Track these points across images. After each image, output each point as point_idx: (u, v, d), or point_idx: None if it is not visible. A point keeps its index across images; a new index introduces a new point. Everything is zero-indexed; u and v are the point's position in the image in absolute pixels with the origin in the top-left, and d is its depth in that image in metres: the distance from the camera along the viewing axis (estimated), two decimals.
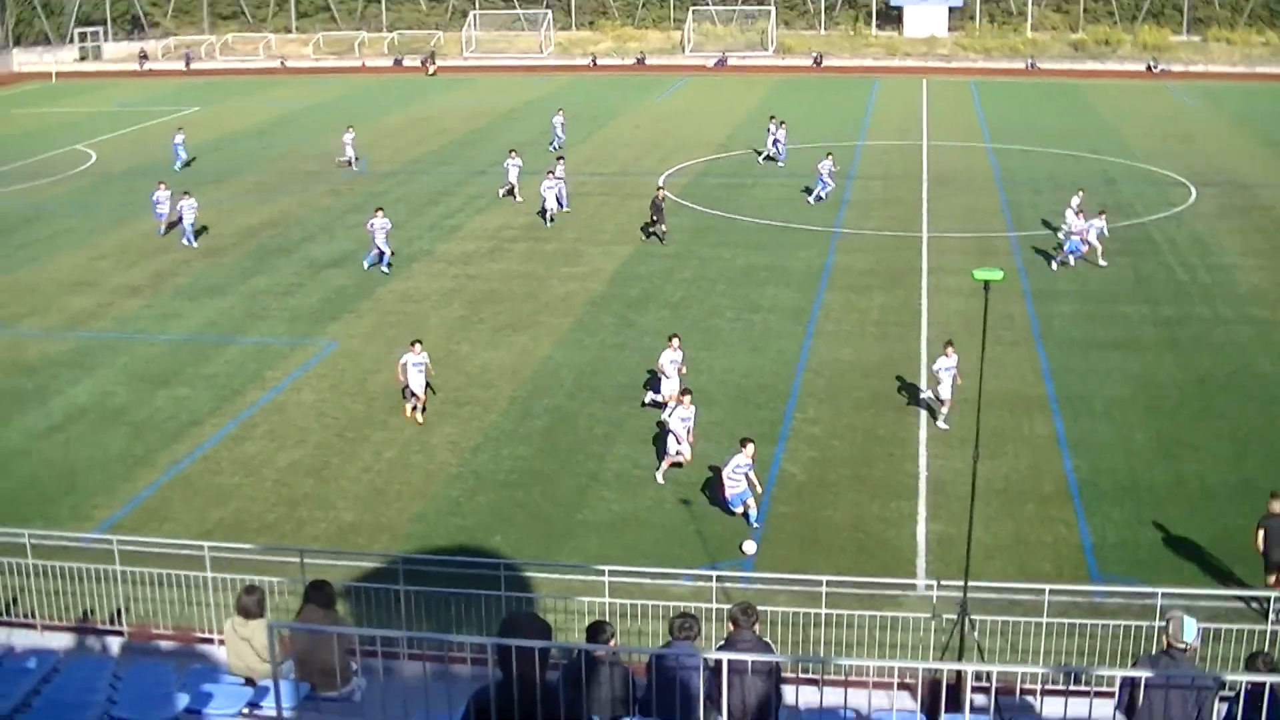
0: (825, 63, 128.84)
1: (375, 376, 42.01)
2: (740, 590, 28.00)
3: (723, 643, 17.44)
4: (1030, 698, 21.33)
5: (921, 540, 31.27)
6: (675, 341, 38.19)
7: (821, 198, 65.02)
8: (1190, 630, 15.94)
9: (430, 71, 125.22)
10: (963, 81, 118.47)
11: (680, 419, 34.09)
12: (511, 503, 33.28)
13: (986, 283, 22.11)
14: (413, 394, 37.95)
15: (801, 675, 21.19)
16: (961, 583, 23.65)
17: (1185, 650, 15.97)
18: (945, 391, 36.98)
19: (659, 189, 59.11)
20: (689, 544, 31.03)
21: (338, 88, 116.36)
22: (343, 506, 33.20)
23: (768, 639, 19.25)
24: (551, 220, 60.97)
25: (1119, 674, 17.83)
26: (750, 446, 31.31)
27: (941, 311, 47.79)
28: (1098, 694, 17.84)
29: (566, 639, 22.87)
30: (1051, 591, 26.27)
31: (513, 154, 67.53)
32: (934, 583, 27.77)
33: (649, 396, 38.97)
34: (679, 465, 34.55)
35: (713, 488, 33.54)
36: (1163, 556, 30.67)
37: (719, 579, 27.78)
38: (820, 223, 61.06)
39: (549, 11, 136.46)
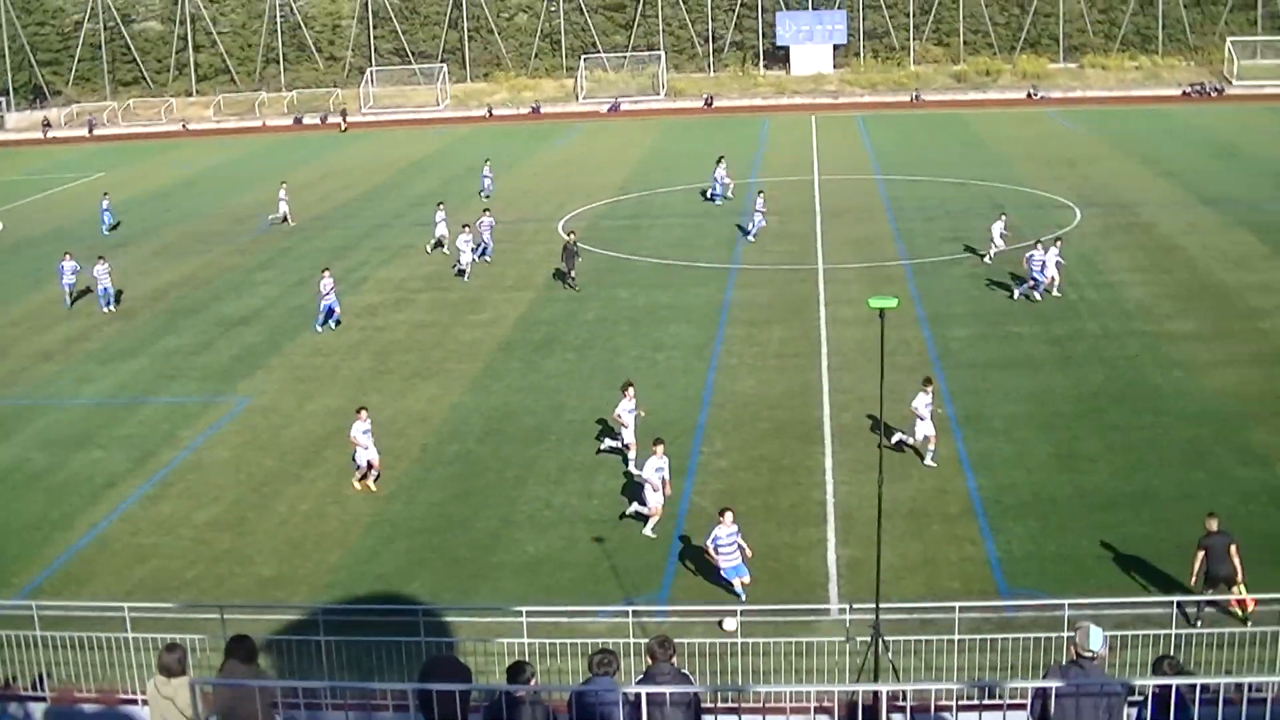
0: (716, 103, 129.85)
1: (288, 431, 42.13)
2: (657, 624, 28.25)
3: (642, 676, 17.55)
4: (946, 714, 21.77)
5: (832, 565, 31.66)
6: (630, 390, 38.03)
7: (750, 235, 65.95)
8: (1097, 639, 16.26)
9: (343, 128, 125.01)
10: (850, 116, 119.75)
11: (655, 469, 33.46)
12: (427, 548, 33.43)
13: (882, 310, 22.60)
14: (368, 463, 37.27)
15: (721, 705, 21.57)
16: (873, 605, 24.10)
17: (1094, 658, 16.29)
18: (929, 428, 36.99)
19: (570, 234, 59.45)
20: (604, 581, 31.33)
21: (240, 148, 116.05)
22: (261, 561, 33.23)
23: (686, 670, 19.50)
24: (465, 275, 60.71)
25: (1030, 685, 18.30)
26: (729, 515, 30.16)
27: (840, 340, 48.45)
28: (1011, 707, 18.26)
29: (487, 680, 23.13)
30: (961, 609, 26.68)
31: (440, 206, 67.50)
32: (846, 606, 28.08)
33: (607, 444, 38.84)
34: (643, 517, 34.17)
35: (626, 524, 33.95)
36: (1068, 568, 31.20)
37: (635, 614, 27.95)
38: (718, 260, 61.64)
39: (444, 65, 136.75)
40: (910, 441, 37.48)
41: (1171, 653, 23.98)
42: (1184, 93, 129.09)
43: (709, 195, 77.33)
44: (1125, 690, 16.55)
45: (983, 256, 59.95)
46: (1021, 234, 63.90)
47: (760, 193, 68.60)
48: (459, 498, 36.44)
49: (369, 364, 48.61)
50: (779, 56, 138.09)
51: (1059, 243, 54.81)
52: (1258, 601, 27.78)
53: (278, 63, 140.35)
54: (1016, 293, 53.06)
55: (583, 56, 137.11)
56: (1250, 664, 25.05)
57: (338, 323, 53.28)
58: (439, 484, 37.45)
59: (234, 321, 55.22)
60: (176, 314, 57.01)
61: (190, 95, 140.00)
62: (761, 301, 54.54)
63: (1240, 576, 28.29)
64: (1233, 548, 28.33)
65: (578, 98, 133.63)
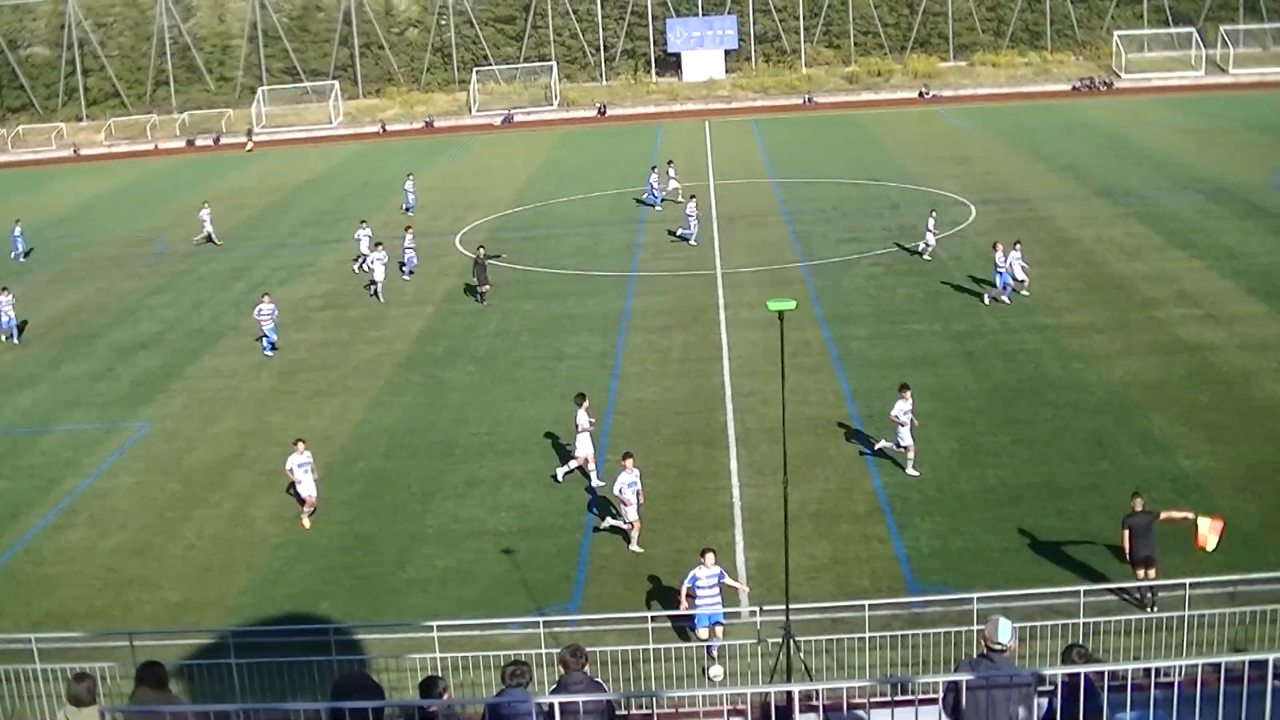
0: (609, 112, 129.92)
1: (192, 454, 41.74)
2: (569, 633, 28.21)
3: (555, 686, 17.51)
4: (859, 712, 21.83)
5: (742, 568, 31.66)
6: (586, 403, 37.54)
7: (689, 240, 66.23)
8: (1005, 631, 16.30)
9: (249, 148, 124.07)
10: (744, 121, 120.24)
11: (628, 484, 32.80)
12: (336, 567, 33.24)
13: (781, 313, 22.63)
14: (302, 499, 36.32)
15: (635, 711, 21.54)
16: (784, 606, 24.13)
17: (1003, 651, 16.36)
18: (907, 436, 36.54)
19: (479, 249, 59.09)
20: (514, 592, 31.22)
21: (134, 172, 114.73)
22: (169, 586, 32.88)
23: (599, 679, 19.47)
24: (377, 294, 59.66)
25: (941, 679, 18.35)
26: (710, 556, 27.92)
27: (741, 344, 48.57)
28: (923, 702, 18.30)
29: (401, 697, 22.97)
30: (871, 606, 26.84)
31: (363, 224, 66.64)
32: (757, 609, 28.18)
33: (564, 470, 37.70)
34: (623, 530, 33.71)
35: (534, 535, 33.88)
36: (975, 562, 31.44)
37: (546, 624, 28.00)
38: (616, 268, 61.65)
39: (336, 82, 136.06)
40: (892, 448, 37.08)
41: (1080, 641, 24.22)
42: (1074, 88, 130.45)
43: (647, 199, 77.27)
44: (1035, 681, 16.60)
45: (920, 253, 60.37)
46: (919, 233, 64.37)
47: (692, 198, 68.87)
48: (366, 515, 36.24)
49: (271, 384, 48.25)
50: (671, 63, 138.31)
51: (1017, 244, 54.07)
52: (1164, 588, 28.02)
53: (168, 85, 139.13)
54: (986, 299, 52.49)
55: (475, 69, 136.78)
56: (1158, 649, 25.32)
57: (273, 346, 51.89)
58: (345, 502, 37.19)
59: (133, 346, 54.63)
60: (75, 341, 56.32)
61: (81, 120, 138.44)
62: (661, 308, 54.60)
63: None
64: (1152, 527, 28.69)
65: (471, 111, 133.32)
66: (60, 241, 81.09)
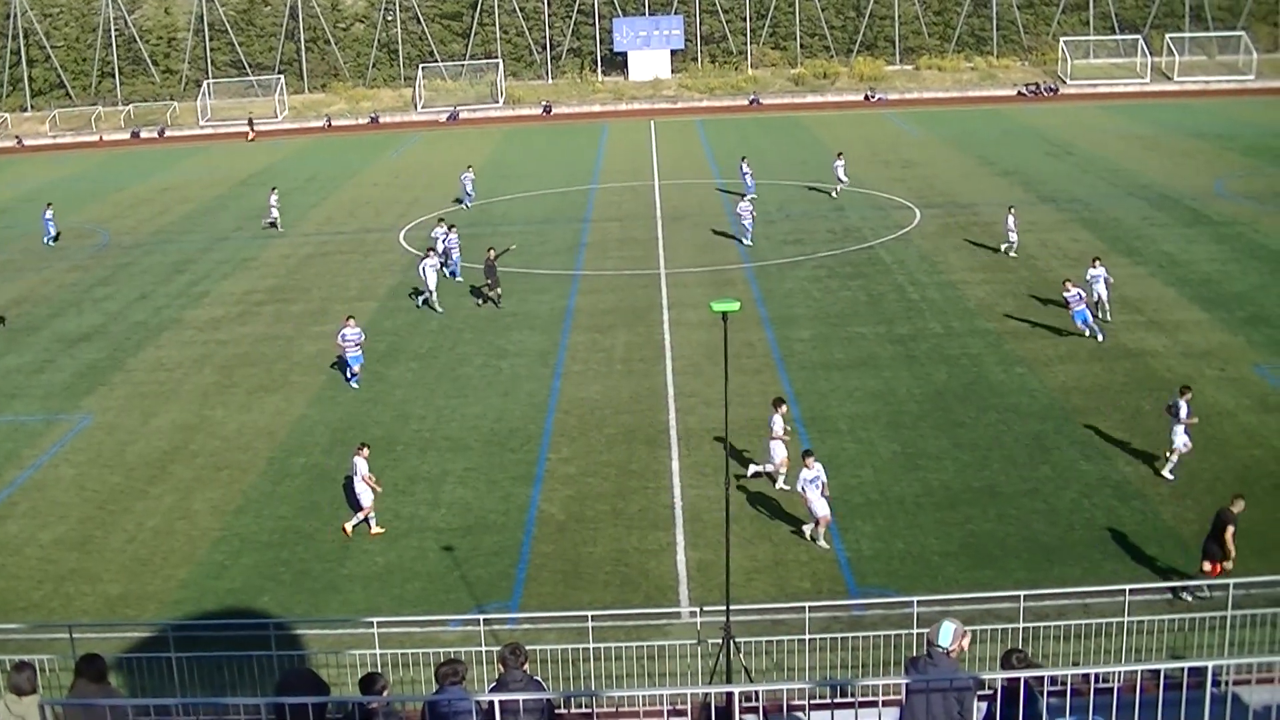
0: (555, 110, 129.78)
1: (133, 447, 41.40)
2: (508, 632, 28.18)
3: (494, 684, 17.44)
4: (798, 714, 21.80)
5: (682, 569, 31.66)
6: (784, 408, 36.60)
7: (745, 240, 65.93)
8: (947, 634, 16.35)
9: (250, 138, 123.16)
10: (689, 121, 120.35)
11: (810, 480, 32.61)
12: (277, 562, 33.04)
13: (724, 314, 22.58)
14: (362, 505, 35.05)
15: (574, 711, 21.46)
16: (724, 607, 24.08)
17: (945, 653, 16.40)
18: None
19: (490, 250, 57.23)
20: (455, 589, 31.10)
21: (78, 163, 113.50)
22: (109, 579, 32.60)
23: (538, 677, 19.39)
24: (430, 305, 56.08)
25: (878, 682, 18.32)
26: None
27: (684, 344, 48.54)
28: (862, 705, 18.27)
29: (340, 693, 22.84)
30: (811, 608, 26.84)
31: (441, 223, 64.23)
32: (697, 609, 28.15)
33: (754, 469, 37.02)
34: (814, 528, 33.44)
35: (475, 533, 33.77)
36: (916, 565, 31.48)
37: (486, 621, 27.89)
38: (560, 266, 61.54)
39: (281, 77, 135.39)
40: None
41: (1020, 646, 24.27)
42: (1019, 93, 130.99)
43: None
44: (975, 684, 16.61)
45: (1005, 252, 61.06)
46: (863, 236, 64.54)
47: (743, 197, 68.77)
48: (307, 510, 36.05)
49: (213, 378, 47.92)
50: (617, 63, 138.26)
51: (1096, 260, 51.09)
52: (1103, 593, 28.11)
53: (113, 76, 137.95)
54: (1086, 331, 48.69)
55: (420, 66, 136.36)
56: (1097, 654, 25.44)
57: (356, 381, 46.33)
58: (287, 497, 37.03)
59: (75, 338, 54.16)
60: (16, 332, 55.77)
61: (25, 110, 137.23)
62: (605, 307, 54.53)
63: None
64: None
65: (416, 107, 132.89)
66: (5, 232, 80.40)
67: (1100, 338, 47.48)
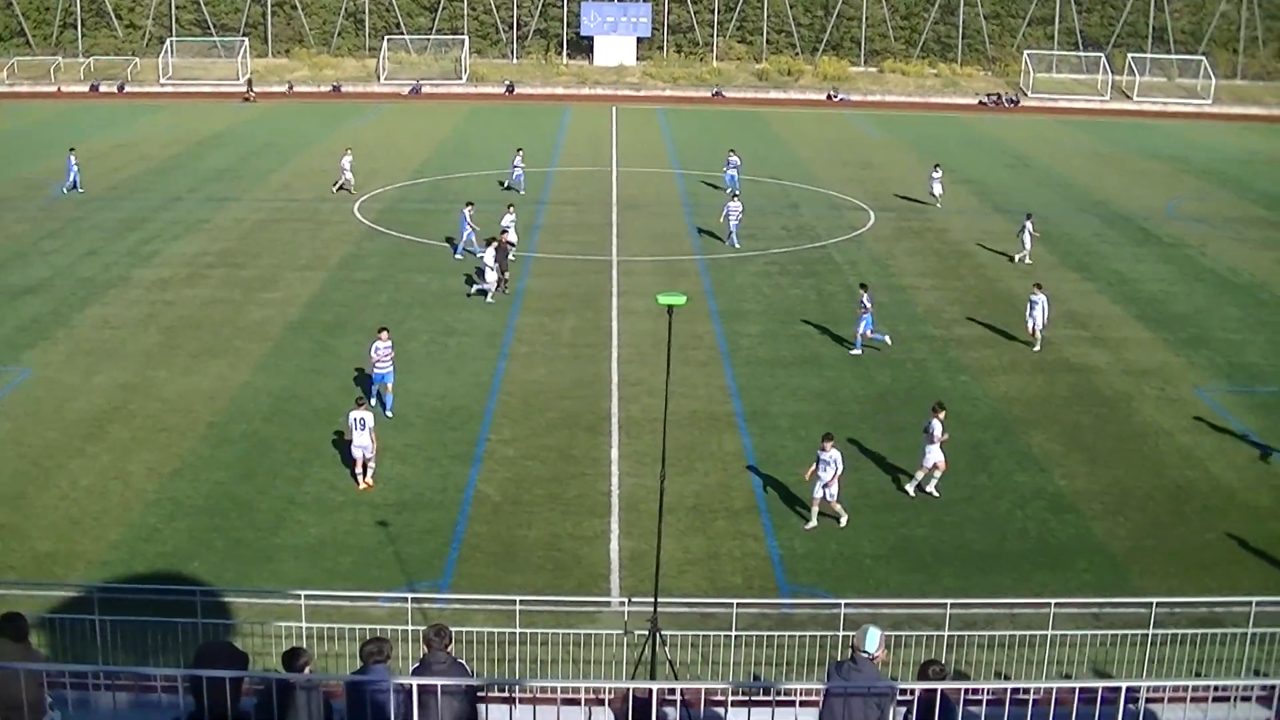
0: (517, 91, 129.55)
1: (71, 404, 41.08)
2: (437, 611, 28.19)
3: (418, 665, 17.48)
4: (719, 709, 21.91)
5: (615, 557, 31.75)
6: (944, 414, 35.88)
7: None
8: (873, 640, 16.49)
9: (249, 97, 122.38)
10: (651, 109, 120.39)
11: (825, 462, 33.12)
12: (210, 528, 32.88)
13: (670, 308, 22.61)
14: (365, 458, 35.57)
15: (496, 695, 21.50)
16: (652, 599, 24.16)
17: (870, 658, 16.54)
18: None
19: (504, 233, 56.53)
20: (386, 566, 31.08)
21: (35, 114, 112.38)
22: (38, 536, 32.34)
23: (462, 659, 19.41)
24: (489, 295, 53.84)
25: (798, 685, 18.44)
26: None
27: (632, 333, 48.63)
28: (779, 704, 18.36)
29: (264, 664, 22.84)
30: (740, 605, 26.98)
31: (510, 209, 60.87)
32: (626, 599, 28.24)
33: (914, 483, 36.30)
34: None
35: (410, 510, 33.79)
36: (848, 567, 31.62)
37: (415, 600, 27.89)
38: (514, 247, 61.51)
39: (245, 39, 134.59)
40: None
41: (945, 653, 24.52)
42: (980, 102, 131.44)
43: (506, 185, 76.61)
44: (893, 691, 16.76)
45: (1020, 259, 61.76)
46: (816, 235, 64.75)
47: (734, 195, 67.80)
48: (244, 478, 35.89)
49: (158, 339, 47.66)
50: (582, 46, 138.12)
51: (1038, 288, 49.00)
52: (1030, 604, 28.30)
53: (75, 28, 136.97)
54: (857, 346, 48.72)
55: (386, 37, 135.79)
56: (1021, 665, 25.61)
57: (388, 408, 41.17)
58: (224, 463, 36.85)
59: (19, 291, 53.74)
60: None
61: None
62: (555, 291, 54.53)
63: None
64: None
65: (379, 78, 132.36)
66: None
67: (857, 351, 47.76)
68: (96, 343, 47.21)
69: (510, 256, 55.54)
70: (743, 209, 63.96)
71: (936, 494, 35.57)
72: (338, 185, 75.67)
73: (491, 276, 53.43)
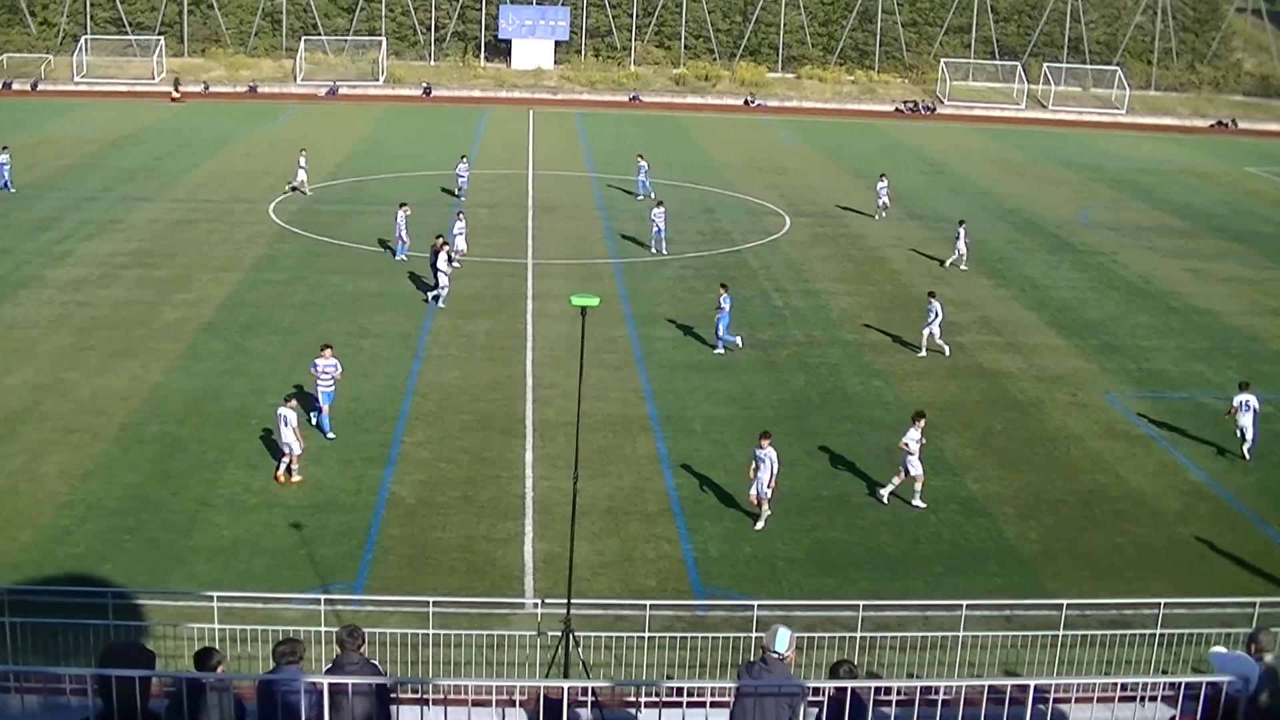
0: (435, 93, 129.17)
1: None
2: (351, 613, 28.08)
3: (330, 665, 17.44)
4: (631, 710, 21.95)
5: (529, 559, 31.73)
6: (923, 422, 36.03)
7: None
8: (783, 641, 16.53)
9: (175, 96, 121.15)
10: (568, 113, 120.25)
11: (761, 458, 33.58)
12: (122, 530, 32.59)
13: (583, 309, 22.64)
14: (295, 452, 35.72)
15: (408, 696, 21.43)
16: (566, 601, 24.16)
17: (780, 659, 16.58)
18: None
19: (438, 238, 55.09)
20: (300, 567, 30.92)
21: None
22: None
23: (375, 660, 19.36)
24: (441, 300, 53.30)
25: (710, 685, 18.47)
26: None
27: (546, 335, 48.60)
28: (691, 704, 18.40)
29: (176, 666, 22.67)
30: (653, 607, 27.01)
31: (460, 216, 61.32)
32: (539, 601, 28.25)
33: (888, 490, 36.24)
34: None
35: (324, 511, 33.66)
36: (761, 569, 31.74)
37: (329, 602, 27.77)
38: (428, 250, 61.22)
39: (161, 38, 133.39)
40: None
41: (858, 655, 24.65)
42: (897, 109, 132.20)
43: (455, 191, 76.05)
44: (804, 691, 16.81)
45: (954, 263, 62.26)
46: (732, 240, 64.92)
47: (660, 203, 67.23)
48: (157, 479, 35.59)
49: (70, 340, 47.17)
50: (500, 50, 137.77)
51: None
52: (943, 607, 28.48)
53: None
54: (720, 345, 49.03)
55: (303, 38, 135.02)
56: (932, 666, 25.80)
57: (327, 431, 39.40)
58: (137, 464, 36.55)
59: None
60: None
61: None
62: (470, 293, 54.36)
63: None
64: None
65: (296, 79, 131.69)
66: None
67: (719, 350, 47.98)
68: (8, 343, 46.70)
69: (455, 264, 55.18)
70: (667, 214, 63.62)
71: (922, 505, 35.71)
72: (292, 185, 75.36)
73: (444, 280, 53.11)
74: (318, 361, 39.44)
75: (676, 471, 37.03)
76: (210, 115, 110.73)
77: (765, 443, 33.63)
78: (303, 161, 75.89)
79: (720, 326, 47.86)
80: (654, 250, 62.72)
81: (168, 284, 54.80)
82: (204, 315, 50.40)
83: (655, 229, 62.86)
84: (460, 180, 75.66)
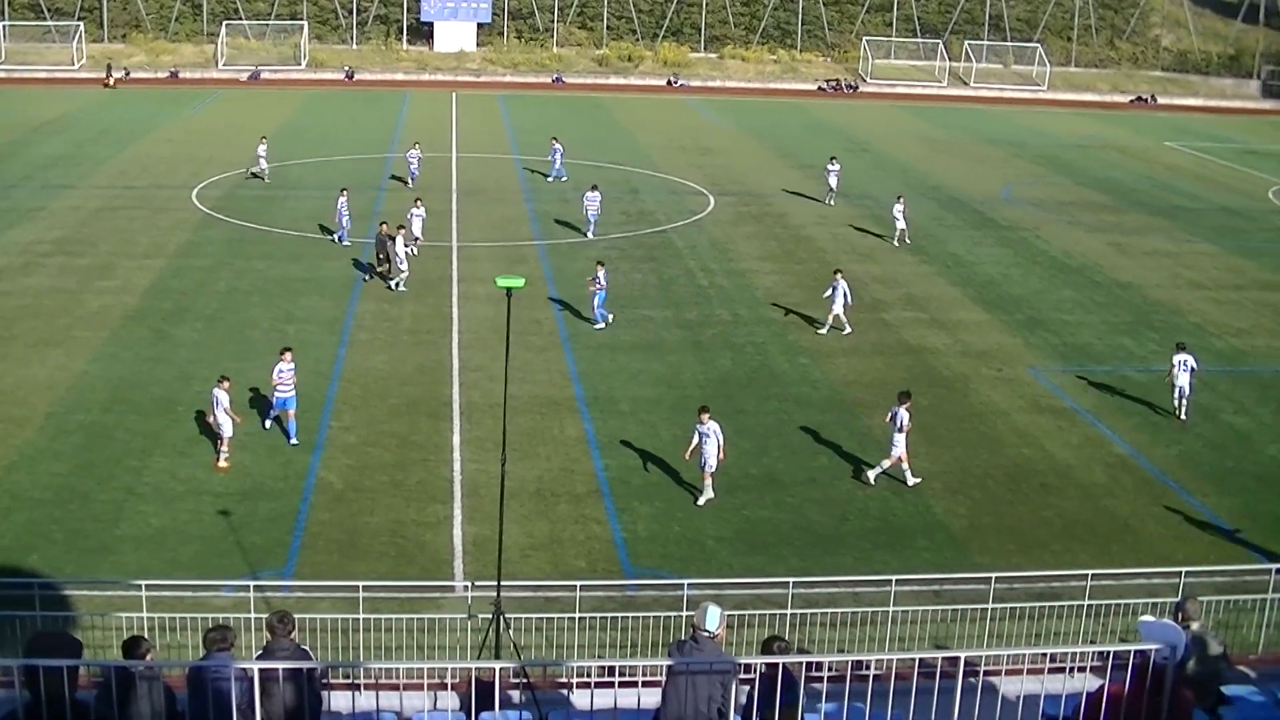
0: (357, 77, 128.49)
1: None
2: (280, 599, 27.92)
3: (261, 651, 17.39)
4: (564, 691, 21.98)
5: (459, 542, 31.73)
6: (909, 402, 35.95)
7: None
8: (713, 618, 16.57)
9: (110, 83, 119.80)
10: (491, 95, 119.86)
11: (705, 434, 34.16)
12: (49, 520, 32.32)
13: (509, 290, 22.63)
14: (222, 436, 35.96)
15: (339, 681, 21.40)
16: (496, 583, 24.15)
17: (711, 636, 16.62)
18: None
19: (382, 224, 54.79)
20: (229, 555, 30.79)
21: None
22: None
23: (306, 646, 19.30)
24: (401, 285, 53.19)
25: (643, 663, 18.50)
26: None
27: (472, 318, 48.50)
28: (624, 684, 18.42)
29: (105, 656, 22.53)
30: (583, 587, 27.03)
31: (418, 203, 60.88)
32: (469, 584, 28.21)
33: (876, 472, 36.30)
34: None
35: (252, 498, 33.51)
36: (691, 549, 31.85)
37: (258, 589, 27.64)
38: (353, 234, 60.96)
39: (80, 24, 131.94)
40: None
41: (789, 632, 24.76)
42: (820, 88, 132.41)
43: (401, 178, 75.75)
44: (735, 668, 16.86)
45: (898, 238, 63.37)
46: (656, 220, 64.97)
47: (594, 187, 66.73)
48: (83, 468, 35.33)
49: None
50: (423, 32, 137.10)
51: (838, 274, 49.12)
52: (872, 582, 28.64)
53: None
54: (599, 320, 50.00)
55: (224, 22, 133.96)
56: (863, 642, 25.95)
57: (292, 436, 37.79)
58: (62, 454, 36.24)
59: None
60: None
61: None
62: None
63: None
64: None
65: (218, 64, 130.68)
66: None
67: (599, 326, 48.35)
68: None
69: (410, 250, 54.99)
70: (601, 198, 63.25)
71: (918, 480, 35.95)
72: (251, 173, 75.07)
73: (404, 265, 52.87)
74: (280, 366, 37.62)
75: (605, 452, 37.09)
76: (132, 101, 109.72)
77: (705, 417, 33.99)
78: (262, 150, 75.27)
79: (596, 301, 48.16)
80: (588, 233, 62.38)
81: (91, 272, 54.36)
82: (128, 303, 50.01)
83: (590, 213, 62.35)
84: (411, 167, 75.09)
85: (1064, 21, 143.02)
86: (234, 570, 29.92)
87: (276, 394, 37.79)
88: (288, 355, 38.25)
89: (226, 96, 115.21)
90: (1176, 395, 41.48)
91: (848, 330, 48.33)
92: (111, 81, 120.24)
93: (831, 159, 74.30)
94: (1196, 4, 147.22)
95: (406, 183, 74.19)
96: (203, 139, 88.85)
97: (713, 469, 34.17)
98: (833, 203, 72.32)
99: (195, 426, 37.99)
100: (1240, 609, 26.62)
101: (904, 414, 35.45)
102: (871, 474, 35.97)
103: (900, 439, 35.52)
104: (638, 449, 37.33)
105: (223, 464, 35.58)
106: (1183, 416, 41.34)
